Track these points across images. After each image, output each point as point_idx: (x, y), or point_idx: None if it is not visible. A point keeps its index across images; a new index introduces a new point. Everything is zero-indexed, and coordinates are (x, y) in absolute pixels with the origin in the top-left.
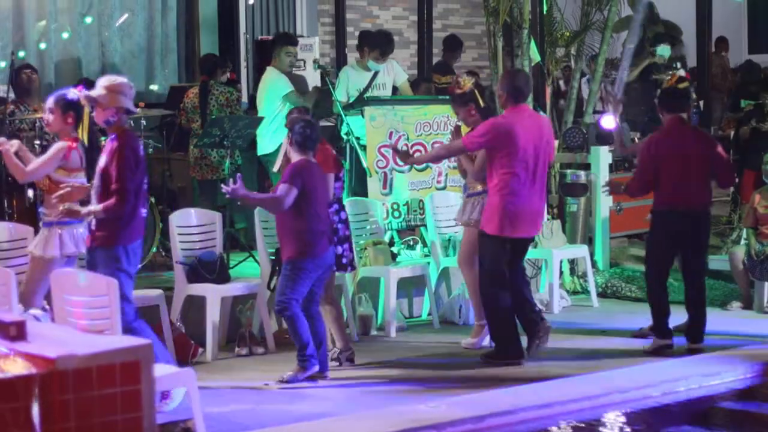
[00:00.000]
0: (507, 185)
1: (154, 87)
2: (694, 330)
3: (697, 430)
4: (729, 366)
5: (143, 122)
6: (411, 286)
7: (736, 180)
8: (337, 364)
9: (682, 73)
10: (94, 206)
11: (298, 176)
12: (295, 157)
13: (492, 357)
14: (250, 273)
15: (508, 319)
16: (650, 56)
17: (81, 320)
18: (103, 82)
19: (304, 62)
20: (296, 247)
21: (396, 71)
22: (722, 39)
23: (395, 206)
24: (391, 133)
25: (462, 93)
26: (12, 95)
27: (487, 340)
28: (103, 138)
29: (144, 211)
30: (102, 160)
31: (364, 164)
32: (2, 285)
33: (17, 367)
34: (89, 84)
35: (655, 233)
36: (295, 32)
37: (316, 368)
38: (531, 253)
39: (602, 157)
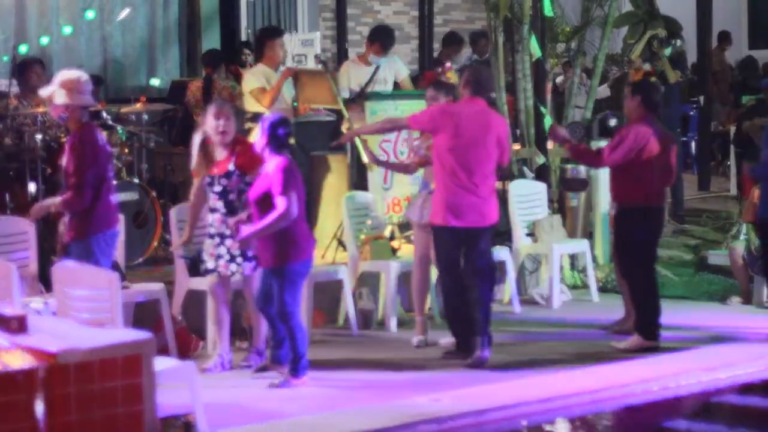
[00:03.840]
0: (447, 174)
1: (155, 81)
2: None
3: (696, 425)
4: (728, 360)
5: (145, 116)
6: (410, 280)
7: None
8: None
9: (647, 67)
10: (52, 199)
11: (293, 179)
12: (274, 158)
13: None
14: None
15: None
16: (654, 50)
17: (82, 314)
18: (57, 79)
19: (305, 57)
20: (288, 252)
21: (398, 66)
22: (725, 34)
23: (396, 201)
24: None
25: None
26: (15, 89)
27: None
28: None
29: (114, 199)
30: (63, 158)
31: (365, 159)
32: (3, 279)
33: (19, 361)
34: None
35: (643, 230)
36: (296, 27)
37: (307, 376)
38: (531, 248)
39: None
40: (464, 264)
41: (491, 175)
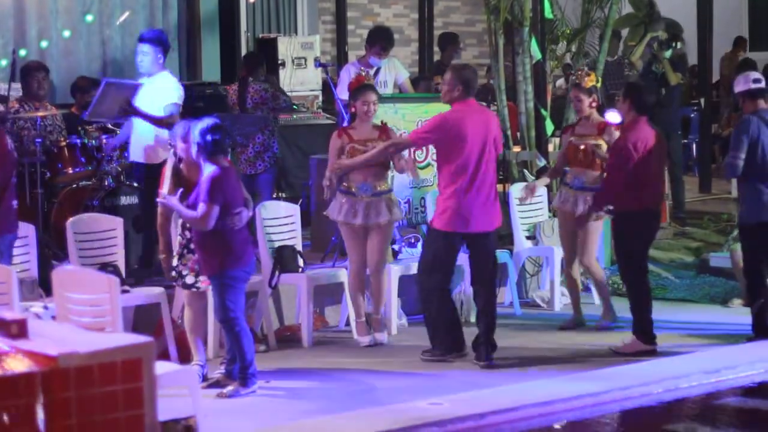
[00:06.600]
0: (456, 181)
1: None
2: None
3: (698, 427)
4: (730, 363)
5: None
6: (412, 284)
7: None
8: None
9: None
10: None
11: (219, 191)
12: (207, 166)
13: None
14: None
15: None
16: (654, 49)
17: (82, 318)
18: None
19: (305, 60)
20: (224, 260)
21: (397, 69)
22: (742, 39)
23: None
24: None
25: None
26: (14, 93)
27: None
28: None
29: (15, 203)
30: None
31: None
32: (3, 283)
33: (19, 365)
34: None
35: (637, 234)
36: (296, 30)
37: (257, 386)
38: (532, 251)
39: None
40: (471, 269)
41: (494, 176)
